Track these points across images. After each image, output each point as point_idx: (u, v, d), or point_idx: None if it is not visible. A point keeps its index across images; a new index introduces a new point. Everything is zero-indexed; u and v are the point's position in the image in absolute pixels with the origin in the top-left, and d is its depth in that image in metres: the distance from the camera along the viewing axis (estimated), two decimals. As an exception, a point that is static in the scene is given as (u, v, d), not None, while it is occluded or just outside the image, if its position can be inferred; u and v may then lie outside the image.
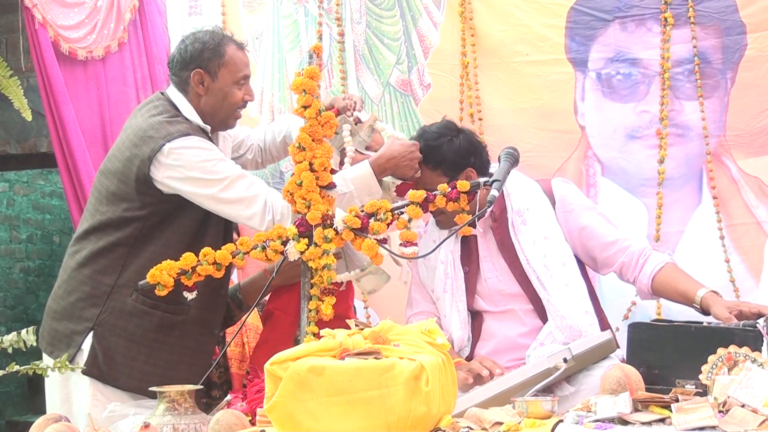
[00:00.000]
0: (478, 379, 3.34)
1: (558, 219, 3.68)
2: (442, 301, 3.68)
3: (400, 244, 3.28)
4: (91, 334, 3.55)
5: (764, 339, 2.96)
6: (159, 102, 3.67)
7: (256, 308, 3.92)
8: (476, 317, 3.68)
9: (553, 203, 3.71)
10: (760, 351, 2.86)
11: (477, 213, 3.21)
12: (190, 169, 3.44)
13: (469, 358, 3.61)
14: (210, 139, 3.61)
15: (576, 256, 3.70)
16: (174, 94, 3.67)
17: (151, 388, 2.85)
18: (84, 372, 3.50)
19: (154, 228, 3.55)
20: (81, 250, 3.62)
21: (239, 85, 3.65)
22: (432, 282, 3.73)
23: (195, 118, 3.60)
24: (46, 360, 3.61)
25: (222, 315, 3.65)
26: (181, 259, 3.27)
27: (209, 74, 3.61)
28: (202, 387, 2.97)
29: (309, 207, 3.28)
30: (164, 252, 3.44)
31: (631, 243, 3.70)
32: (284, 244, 3.27)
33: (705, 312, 3.38)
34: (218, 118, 3.67)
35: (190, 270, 3.26)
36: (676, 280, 3.56)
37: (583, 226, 3.69)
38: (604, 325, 3.61)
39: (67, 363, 2.94)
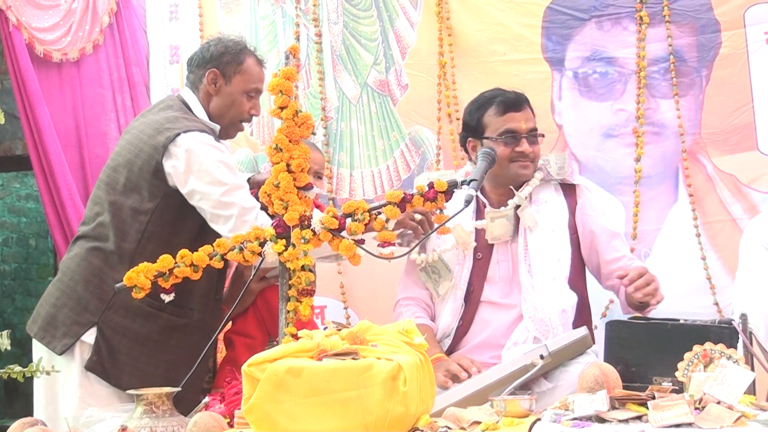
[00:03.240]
0: (456, 379, 3.35)
1: (576, 221, 3.74)
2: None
3: (378, 245, 3.28)
4: (94, 329, 3.53)
5: (739, 336, 2.99)
6: (173, 102, 3.74)
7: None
8: (471, 305, 3.68)
9: (574, 203, 3.76)
10: (736, 348, 2.88)
11: (455, 213, 3.21)
12: (198, 163, 3.46)
13: (454, 347, 3.64)
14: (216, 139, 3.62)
15: (584, 263, 3.76)
16: (187, 93, 3.74)
17: (128, 391, 2.84)
18: (87, 368, 3.50)
19: (162, 226, 3.54)
20: (92, 241, 3.60)
21: (249, 97, 3.71)
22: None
23: (204, 118, 3.64)
24: (36, 348, 3.61)
25: (221, 320, 3.65)
26: (158, 261, 3.26)
27: (224, 76, 3.68)
28: (179, 389, 2.96)
29: (286, 208, 3.27)
30: (171, 254, 3.43)
31: (634, 261, 3.75)
32: (262, 245, 3.26)
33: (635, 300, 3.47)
34: (223, 122, 3.70)
35: (167, 272, 3.25)
36: None
37: (597, 234, 3.74)
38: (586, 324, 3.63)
39: (42, 366, 2.93)
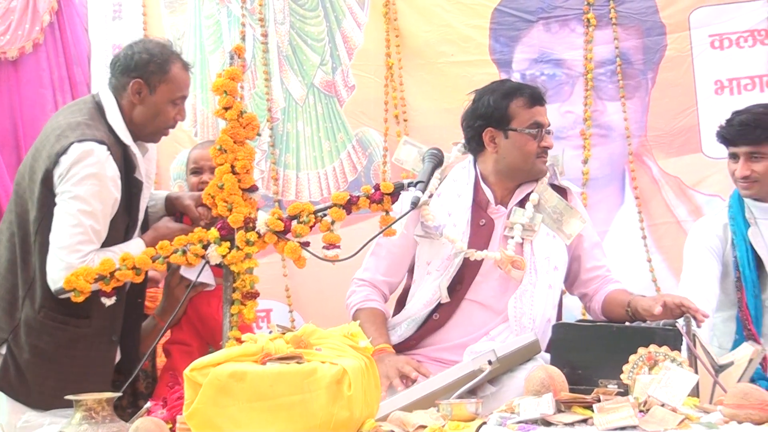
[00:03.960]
0: (403, 381, 3.32)
1: None
2: (429, 276, 3.63)
3: (323, 247, 3.27)
4: (5, 347, 3.48)
5: (683, 338, 3.01)
6: (85, 106, 3.60)
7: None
8: (453, 301, 3.59)
9: None
10: (680, 350, 2.91)
11: (400, 216, 3.20)
12: (75, 174, 3.36)
13: (420, 340, 3.60)
14: (126, 153, 3.53)
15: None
16: (106, 96, 3.59)
17: (67, 397, 2.79)
18: None
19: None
20: (5, 253, 3.54)
21: (174, 104, 3.60)
22: (431, 255, 3.66)
23: (119, 125, 3.53)
24: None
25: (121, 321, 3.59)
26: (99, 263, 3.23)
27: (148, 86, 3.55)
28: (120, 395, 2.92)
29: (231, 210, 3.25)
30: None
31: (610, 273, 3.77)
32: (205, 247, 3.24)
33: (635, 314, 3.42)
34: (146, 130, 3.61)
35: (109, 275, 3.22)
36: (620, 295, 3.60)
37: (583, 240, 3.72)
38: None
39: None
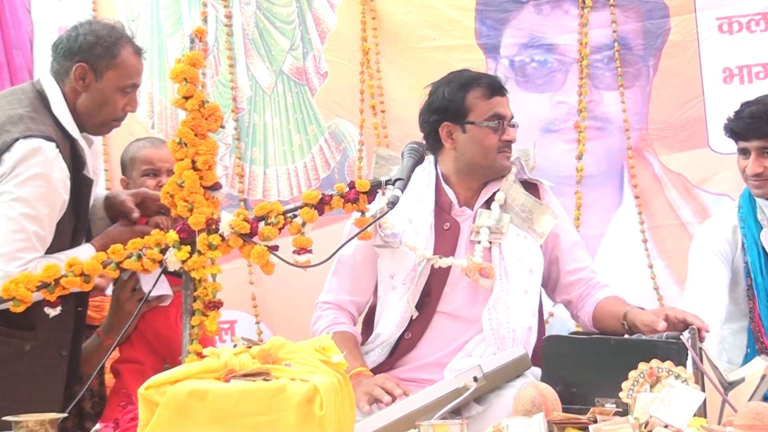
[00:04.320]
0: (378, 403, 3.32)
1: None
2: (395, 292, 3.63)
3: (294, 251, 3.25)
4: None
5: (689, 352, 3.01)
6: (25, 95, 3.54)
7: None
8: (424, 315, 3.59)
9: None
10: (684, 365, 2.91)
11: (378, 216, 3.20)
12: (19, 174, 3.33)
13: (395, 362, 3.60)
14: (73, 146, 3.51)
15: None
16: (49, 84, 3.55)
17: (4, 418, 2.77)
18: None
19: None
20: None
21: (124, 93, 3.57)
22: (393, 268, 3.65)
23: (65, 116, 3.50)
24: None
25: (71, 334, 3.57)
26: (42, 269, 3.20)
27: (94, 72, 3.52)
28: (66, 415, 2.90)
29: (191, 210, 3.23)
30: None
31: (596, 275, 3.76)
32: (163, 252, 3.22)
33: (632, 329, 3.41)
34: (92, 121, 3.57)
35: (53, 283, 3.19)
36: (614, 305, 3.59)
37: (560, 239, 3.71)
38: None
39: None
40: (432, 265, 3.56)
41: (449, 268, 3.57)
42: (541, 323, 3.71)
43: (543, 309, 3.77)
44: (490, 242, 3.59)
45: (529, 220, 3.62)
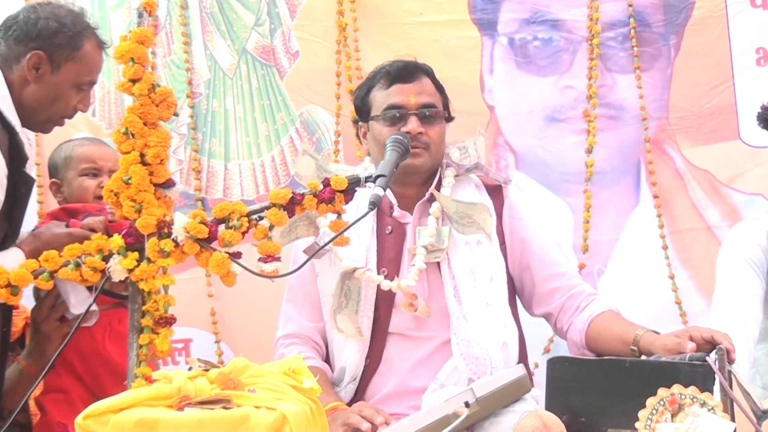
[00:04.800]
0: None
1: (504, 226, 3.72)
2: (344, 312, 3.63)
3: (259, 260, 3.25)
4: None
5: (716, 376, 3.01)
6: None
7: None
8: (377, 338, 3.63)
9: (500, 205, 3.75)
10: (711, 391, 2.91)
11: (356, 219, 3.20)
12: None
13: (360, 395, 3.60)
14: (13, 138, 3.50)
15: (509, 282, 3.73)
16: None
17: None
18: None
19: None
20: None
21: (79, 90, 3.57)
22: (333, 286, 3.67)
23: (6, 104, 3.49)
24: None
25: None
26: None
27: (51, 62, 3.51)
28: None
29: (140, 211, 3.22)
30: None
31: (580, 283, 3.76)
32: (106, 259, 3.21)
33: (645, 354, 3.39)
34: (38, 116, 3.57)
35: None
36: (615, 324, 3.57)
37: (529, 242, 3.72)
38: (522, 362, 3.63)
39: None
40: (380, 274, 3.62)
41: (397, 281, 3.61)
42: (522, 337, 3.72)
43: (521, 321, 3.76)
44: (426, 263, 3.61)
45: (474, 223, 3.63)
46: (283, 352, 3.70)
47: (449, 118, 3.77)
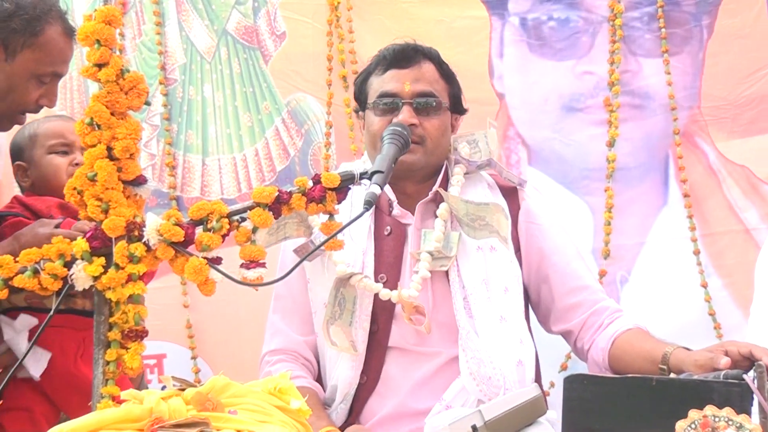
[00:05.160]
0: None
1: (519, 231, 3.72)
2: (338, 324, 3.62)
3: (241, 266, 3.24)
4: None
5: (754, 396, 3.01)
6: None
7: None
8: (375, 353, 3.63)
9: (516, 208, 3.74)
10: (749, 413, 2.90)
11: (350, 221, 3.20)
12: None
13: (355, 417, 3.60)
14: None
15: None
16: None
17: None
18: None
19: None
20: None
21: (40, 82, 3.55)
22: (326, 294, 3.66)
23: None
24: None
25: None
26: None
27: (5, 49, 3.49)
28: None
29: (106, 212, 3.21)
30: None
31: (604, 298, 3.74)
32: (68, 266, 3.20)
33: (675, 373, 3.38)
34: None
35: None
36: (643, 342, 3.56)
37: (549, 252, 3.72)
38: (537, 381, 3.63)
39: None
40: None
41: (398, 290, 3.60)
42: (536, 354, 3.71)
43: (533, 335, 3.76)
44: (431, 271, 3.60)
45: (487, 226, 3.62)
46: (270, 370, 3.68)
47: (457, 110, 3.76)
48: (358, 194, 3.31)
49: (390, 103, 3.64)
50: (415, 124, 3.62)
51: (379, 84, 3.70)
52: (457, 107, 3.78)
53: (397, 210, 3.68)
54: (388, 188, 3.68)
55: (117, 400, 2.93)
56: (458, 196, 3.65)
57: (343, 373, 3.61)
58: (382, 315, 3.61)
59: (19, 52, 3.49)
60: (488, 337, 3.53)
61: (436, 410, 3.48)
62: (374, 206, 3.43)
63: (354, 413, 3.62)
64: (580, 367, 4.15)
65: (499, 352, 3.51)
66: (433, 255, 3.59)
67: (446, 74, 3.76)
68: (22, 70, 3.51)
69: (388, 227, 3.67)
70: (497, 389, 3.44)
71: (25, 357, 3.35)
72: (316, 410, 3.50)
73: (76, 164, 3.79)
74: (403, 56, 3.71)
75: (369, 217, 3.66)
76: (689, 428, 2.79)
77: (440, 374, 3.56)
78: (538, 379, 3.65)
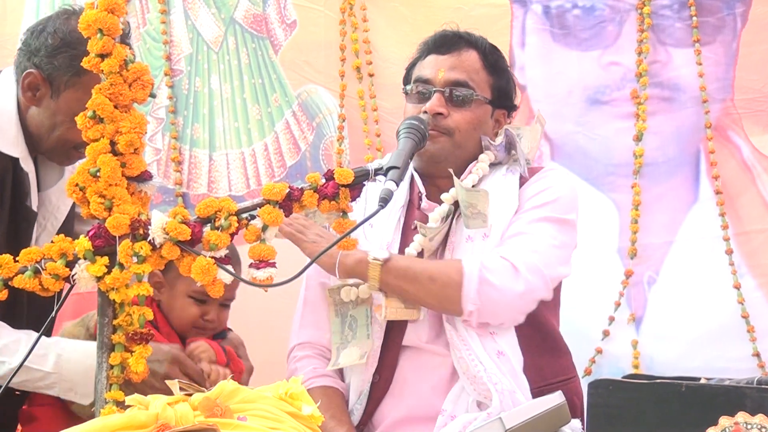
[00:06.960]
0: None
1: None
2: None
3: (251, 265, 3.26)
4: None
5: (788, 402, 3.02)
6: None
7: None
8: (390, 351, 3.64)
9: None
10: (783, 420, 2.93)
11: (365, 218, 3.21)
12: None
13: (368, 418, 3.62)
14: (15, 169, 3.51)
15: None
16: (6, 78, 3.58)
17: None
18: None
19: None
20: None
21: None
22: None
23: (7, 124, 3.51)
24: None
25: None
26: None
27: (50, 86, 3.48)
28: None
29: (110, 209, 3.23)
30: None
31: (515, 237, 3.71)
32: (71, 265, 3.22)
33: None
34: (43, 145, 3.56)
35: None
36: None
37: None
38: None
39: None
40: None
41: None
42: (548, 350, 3.71)
43: (553, 328, 3.74)
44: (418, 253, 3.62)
45: (479, 215, 3.61)
46: (296, 366, 3.71)
47: (503, 105, 3.75)
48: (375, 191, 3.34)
49: (423, 90, 3.65)
50: (443, 113, 3.62)
51: (418, 69, 3.71)
52: (503, 102, 3.75)
53: (425, 203, 3.67)
54: (418, 180, 3.70)
55: (121, 406, 2.95)
56: (460, 183, 3.65)
57: (357, 368, 3.62)
58: None
59: (62, 90, 3.50)
60: (465, 330, 3.54)
61: (441, 423, 3.48)
62: (408, 199, 3.55)
63: (367, 413, 3.63)
64: (605, 371, 4.17)
65: (481, 349, 3.52)
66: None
67: (493, 65, 3.74)
68: (66, 108, 3.50)
69: (416, 222, 3.67)
70: (485, 391, 3.45)
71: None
72: (338, 414, 3.53)
73: None
74: (443, 42, 3.72)
75: (400, 210, 3.69)
76: (720, 436, 2.80)
77: (453, 378, 3.56)
78: (545, 370, 3.65)
